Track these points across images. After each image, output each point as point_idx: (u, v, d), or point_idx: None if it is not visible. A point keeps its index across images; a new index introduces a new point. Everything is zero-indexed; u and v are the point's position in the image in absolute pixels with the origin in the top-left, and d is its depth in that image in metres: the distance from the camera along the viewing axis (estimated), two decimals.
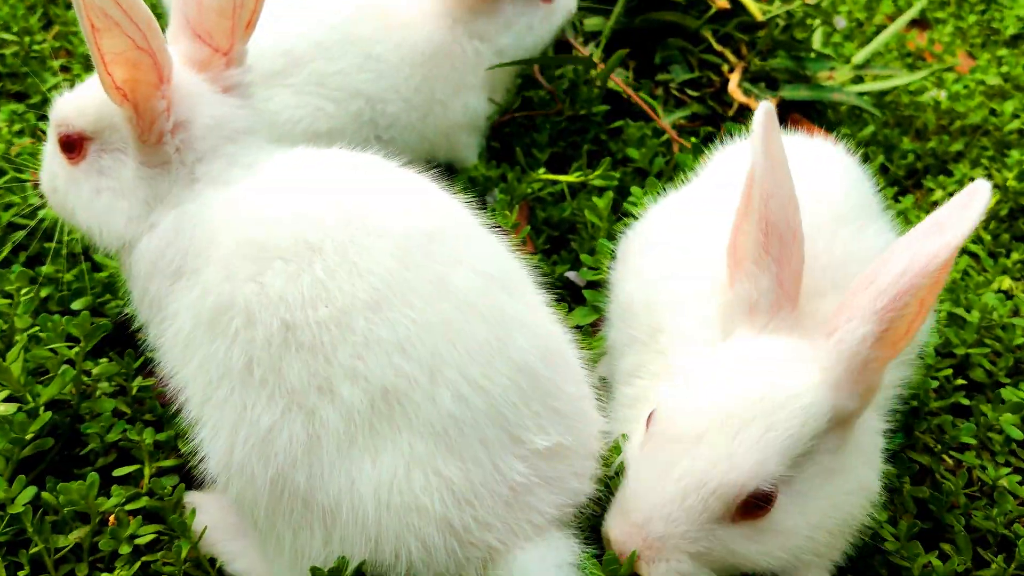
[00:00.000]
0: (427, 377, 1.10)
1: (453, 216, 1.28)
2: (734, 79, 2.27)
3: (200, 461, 1.21)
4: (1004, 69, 2.84)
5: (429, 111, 2.06)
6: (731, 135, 1.70)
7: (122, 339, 1.67)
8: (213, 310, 1.16)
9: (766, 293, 1.22)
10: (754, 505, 1.15)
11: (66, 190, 1.37)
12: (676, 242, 1.50)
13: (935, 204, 2.25)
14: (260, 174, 1.30)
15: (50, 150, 1.40)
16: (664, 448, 1.18)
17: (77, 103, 1.35)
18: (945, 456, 1.64)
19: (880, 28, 3.05)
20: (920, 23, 3.20)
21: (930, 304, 1.16)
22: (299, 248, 1.15)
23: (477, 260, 1.22)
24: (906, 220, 2.09)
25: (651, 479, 1.17)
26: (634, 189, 1.94)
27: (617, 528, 1.18)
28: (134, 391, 1.57)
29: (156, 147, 1.28)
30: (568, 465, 1.19)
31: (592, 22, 2.53)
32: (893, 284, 1.13)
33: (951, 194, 2.27)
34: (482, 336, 1.14)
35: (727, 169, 1.59)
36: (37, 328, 1.57)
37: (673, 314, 1.40)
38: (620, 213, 1.95)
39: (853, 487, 1.23)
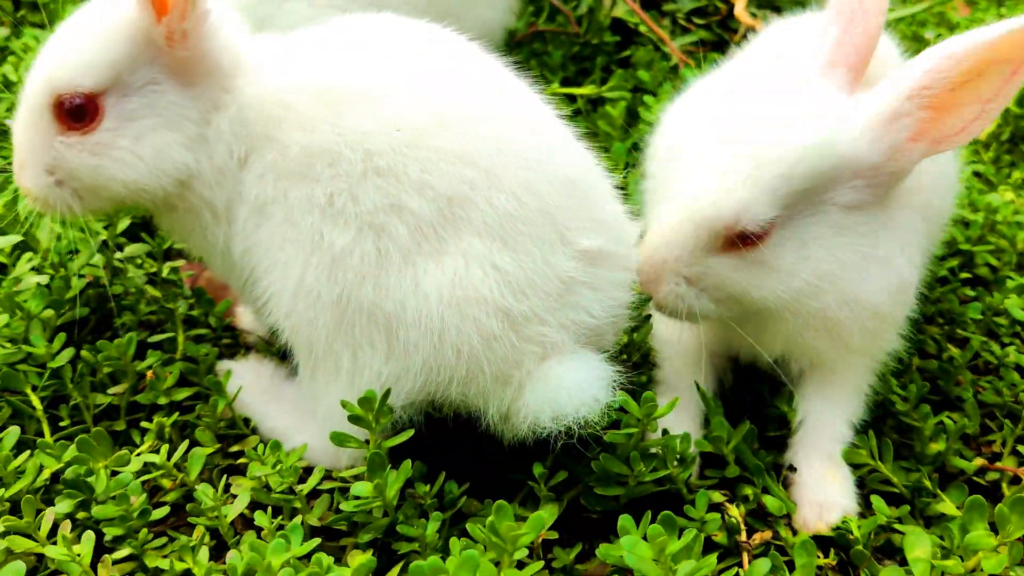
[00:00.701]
0: (486, 182, 1.18)
1: (498, 62, 1.36)
2: (740, 3, 2.32)
3: (265, 304, 1.28)
4: (1003, 11, 2.90)
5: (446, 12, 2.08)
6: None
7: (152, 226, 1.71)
8: (298, 160, 1.22)
9: (828, 46, 1.28)
10: (742, 238, 1.22)
11: (93, 163, 1.28)
12: (722, 94, 1.50)
13: None
14: (308, 41, 1.33)
15: (38, 142, 1.29)
16: (667, 169, 1.29)
17: (75, 64, 1.27)
18: (950, 345, 1.69)
19: None
20: None
21: (1002, 95, 1.18)
22: (376, 86, 1.23)
23: (525, 92, 1.32)
24: None
25: (659, 207, 1.29)
26: (647, 98, 1.99)
27: (639, 263, 1.29)
28: (165, 273, 1.61)
29: (188, 57, 1.27)
30: (611, 271, 1.25)
31: None
32: (956, 49, 1.16)
33: None
34: (533, 146, 1.22)
35: (780, 41, 1.62)
36: None
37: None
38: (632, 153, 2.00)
39: (877, 259, 1.28)
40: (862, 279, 1.28)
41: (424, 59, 1.28)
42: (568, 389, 1.18)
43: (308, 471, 1.31)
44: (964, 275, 1.80)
